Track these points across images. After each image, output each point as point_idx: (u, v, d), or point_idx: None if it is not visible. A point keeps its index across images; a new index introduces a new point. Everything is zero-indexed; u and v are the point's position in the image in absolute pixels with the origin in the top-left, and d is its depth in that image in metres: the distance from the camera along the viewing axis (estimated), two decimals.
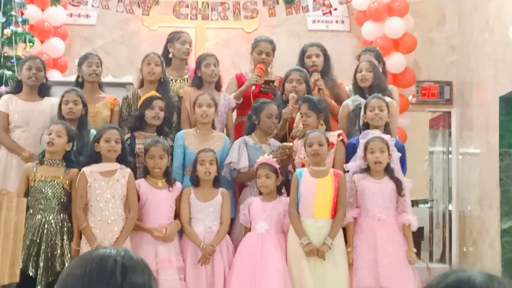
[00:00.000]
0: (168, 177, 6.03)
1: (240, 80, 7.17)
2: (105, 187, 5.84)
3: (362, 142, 6.01)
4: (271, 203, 6.02)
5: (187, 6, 8.98)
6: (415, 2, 9.28)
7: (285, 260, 5.88)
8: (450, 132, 9.59)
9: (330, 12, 9.31)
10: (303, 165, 6.14)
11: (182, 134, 6.39)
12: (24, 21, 7.67)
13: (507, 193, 8.01)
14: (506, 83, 7.71)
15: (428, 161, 10.46)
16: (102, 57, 7.09)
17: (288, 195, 6.06)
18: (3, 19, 7.44)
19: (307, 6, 9.03)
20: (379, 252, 5.78)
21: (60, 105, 6.30)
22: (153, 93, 6.47)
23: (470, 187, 8.98)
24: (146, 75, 6.73)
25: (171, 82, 7.02)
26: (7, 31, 7.41)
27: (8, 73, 7.22)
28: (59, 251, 5.70)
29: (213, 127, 6.51)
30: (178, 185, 6.08)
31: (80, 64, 6.85)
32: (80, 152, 6.11)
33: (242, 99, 6.98)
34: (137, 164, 6.20)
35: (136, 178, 6.00)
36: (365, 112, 6.24)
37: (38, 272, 5.64)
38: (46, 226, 5.75)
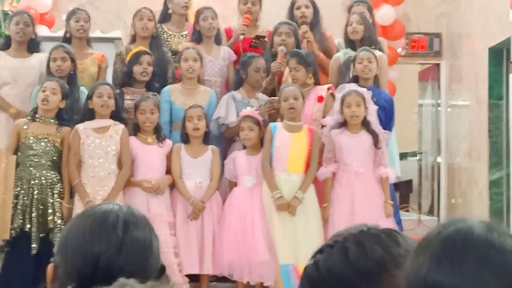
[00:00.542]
0: (158, 133, 6.03)
1: (229, 34, 7.12)
2: (99, 144, 5.85)
3: (338, 96, 5.99)
4: (256, 156, 6.03)
5: None
6: None
7: None
8: (439, 84, 9.59)
9: None
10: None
11: (168, 89, 6.36)
12: None
13: (496, 144, 8.04)
14: (496, 34, 7.70)
15: (417, 114, 10.49)
16: (90, 12, 7.03)
17: None
18: None
19: None
20: (356, 205, 5.82)
21: (48, 62, 6.26)
22: (141, 48, 6.42)
23: (459, 139, 9.01)
24: (139, 31, 6.67)
25: (169, 37, 6.98)
26: None
27: None
28: (50, 209, 5.73)
29: (199, 81, 6.49)
30: (168, 141, 6.09)
31: (68, 19, 6.78)
32: (71, 109, 6.08)
33: None
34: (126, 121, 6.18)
35: None
36: (354, 65, 6.23)
37: (32, 228, 5.68)
38: (36, 182, 5.76)
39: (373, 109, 6.02)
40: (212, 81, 6.69)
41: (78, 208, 5.63)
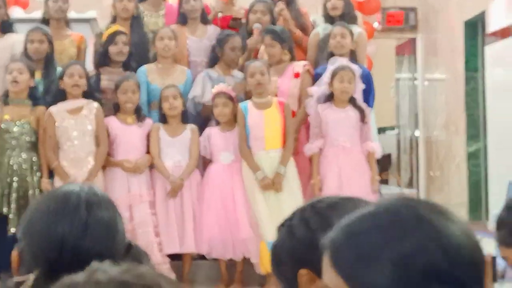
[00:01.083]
0: (139, 113, 6.03)
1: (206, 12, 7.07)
2: (74, 125, 5.83)
3: (330, 68, 5.97)
4: (231, 132, 6.03)
5: None
6: None
7: None
8: (415, 59, 9.64)
9: None
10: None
11: (144, 70, 6.33)
12: None
13: (473, 117, 8.11)
14: (471, 8, 7.74)
15: (394, 88, 10.54)
16: None
17: None
18: None
19: None
20: (343, 179, 5.86)
21: (26, 44, 6.20)
22: (116, 28, 6.38)
23: (436, 113, 9.08)
24: (119, 11, 6.59)
25: (145, 17, 6.92)
26: None
27: None
28: (31, 190, 5.72)
29: (177, 61, 6.46)
30: (148, 121, 6.08)
31: (46, 0, 6.71)
32: (48, 90, 6.05)
33: None
34: (102, 101, 6.15)
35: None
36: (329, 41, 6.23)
37: (10, 211, 5.66)
38: (16, 165, 5.74)
39: (359, 87, 6.03)
40: (198, 61, 6.64)
41: None
